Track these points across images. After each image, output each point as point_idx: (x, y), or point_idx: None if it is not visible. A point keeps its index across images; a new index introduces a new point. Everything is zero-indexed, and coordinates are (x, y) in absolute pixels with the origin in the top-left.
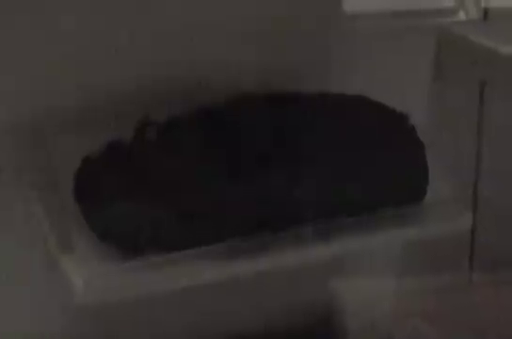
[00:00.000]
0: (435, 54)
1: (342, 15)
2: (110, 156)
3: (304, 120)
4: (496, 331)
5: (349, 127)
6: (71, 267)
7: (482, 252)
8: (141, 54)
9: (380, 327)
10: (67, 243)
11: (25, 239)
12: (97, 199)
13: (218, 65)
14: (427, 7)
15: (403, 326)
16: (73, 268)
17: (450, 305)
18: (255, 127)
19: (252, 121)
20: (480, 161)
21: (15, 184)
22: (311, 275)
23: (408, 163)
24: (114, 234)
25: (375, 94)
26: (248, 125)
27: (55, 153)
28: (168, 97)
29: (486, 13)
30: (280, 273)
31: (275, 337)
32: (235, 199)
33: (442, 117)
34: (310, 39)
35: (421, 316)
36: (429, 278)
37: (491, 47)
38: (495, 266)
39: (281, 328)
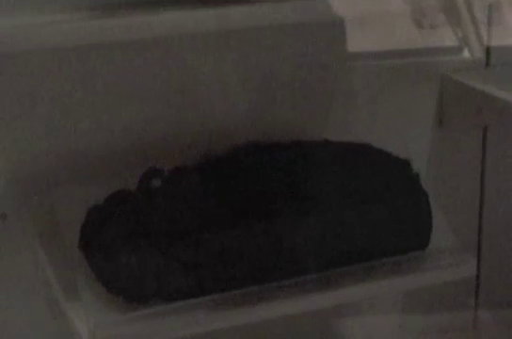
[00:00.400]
0: (437, 100)
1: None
2: (115, 206)
3: (307, 168)
4: None
5: (353, 175)
6: (76, 316)
7: (487, 292)
8: (146, 106)
9: None
10: (72, 291)
11: (30, 285)
12: (103, 249)
13: (220, 116)
14: (432, 45)
15: None
16: (79, 317)
17: None
18: (259, 176)
19: (256, 170)
20: (483, 206)
21: (19, 230)
22: (313, 316)
23: (412, 211)
24: (120, 284)
25: (378, 141)
26: (252, 174)
27: (58, 201)
28: (174, 147)
29: (488, 52)
30: (282, 318)
31: None
32: (238, 249)
33: (445, 163)
34: (312, 87)
35: None
36: (434, 317)
37: (493, 94)
38: (501, 305)
39: None
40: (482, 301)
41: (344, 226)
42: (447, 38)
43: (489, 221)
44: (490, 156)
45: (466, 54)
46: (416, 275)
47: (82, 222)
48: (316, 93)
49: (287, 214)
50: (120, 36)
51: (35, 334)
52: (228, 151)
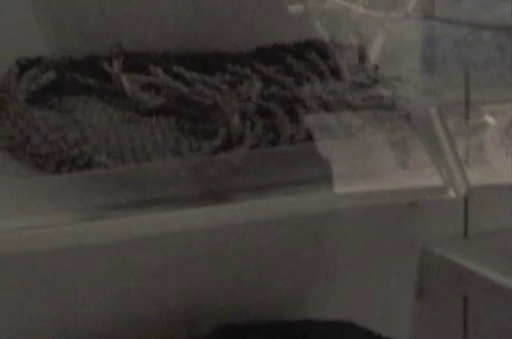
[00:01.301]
0: (417, 271)
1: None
2: None
3: None
4: None
5: None
6: None
7: None
8: (126, 292)
9: None
10: None
11: None
12: None
13: (202, 297)
14: (417, 185)
15: None
16: None
17: None
18: None
19: None
20: None
21: None
22: None
23: None
24: None
25: (359, 316)
26: None
27: None
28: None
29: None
30: None
31: None
32: None
33: (427, 333)
34: (293, 265)
35: None
36: None
37: (471, 268)
38: None
39: None
40: None
41: None
42: (432, 177)
43: None
44: (472, 326)
45: (451, 193)
46: None
47: None
48: (296, 271)
49: None
50: (105, 237)
51: None
52: (208, 332)
